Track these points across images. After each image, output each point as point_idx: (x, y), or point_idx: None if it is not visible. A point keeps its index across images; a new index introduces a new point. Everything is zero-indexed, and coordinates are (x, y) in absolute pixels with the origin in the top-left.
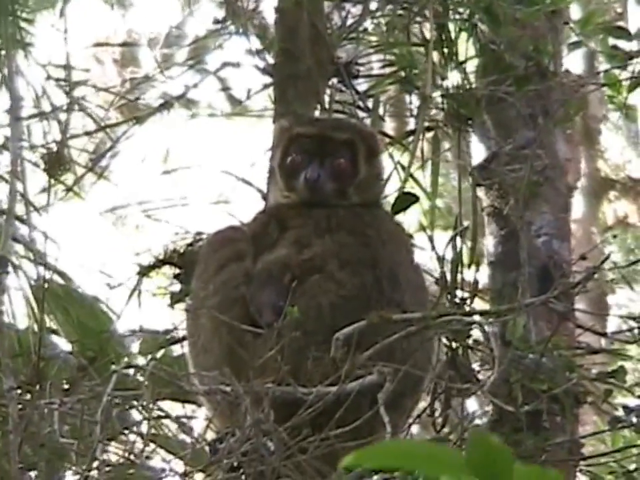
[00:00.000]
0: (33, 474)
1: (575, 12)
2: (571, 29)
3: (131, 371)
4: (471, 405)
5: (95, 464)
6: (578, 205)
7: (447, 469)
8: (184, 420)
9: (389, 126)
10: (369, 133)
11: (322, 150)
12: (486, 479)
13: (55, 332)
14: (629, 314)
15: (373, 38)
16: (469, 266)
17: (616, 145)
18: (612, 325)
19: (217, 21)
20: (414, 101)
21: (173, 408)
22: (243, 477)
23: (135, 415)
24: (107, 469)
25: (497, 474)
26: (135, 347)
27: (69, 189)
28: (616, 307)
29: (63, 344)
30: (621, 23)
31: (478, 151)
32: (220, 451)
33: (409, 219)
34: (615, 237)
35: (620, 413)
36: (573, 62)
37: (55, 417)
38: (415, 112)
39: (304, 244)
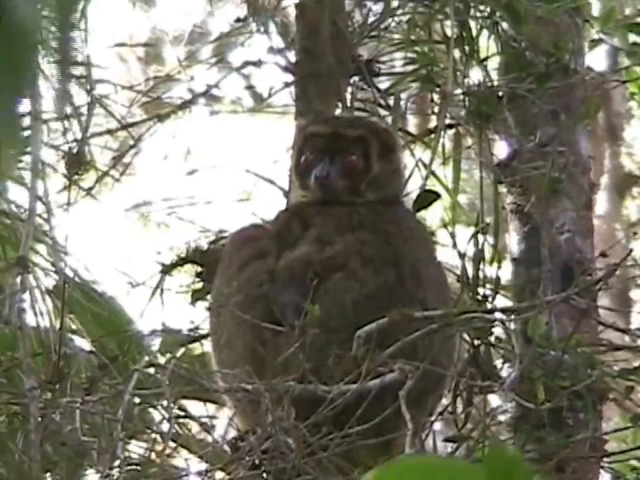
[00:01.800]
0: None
1: (595, 8)
2: (591, 26)
3: (152, 370)
4: (494, 401)
5: (116, 463)
6: (601, 201)
7: None
8: (205, 419)
9: (411, 123)
10: (382, 129)
11: (333, 148)
12: None
13: (75, 332)
14: None
15: (394, 36)
16: (491, 263)
17: None
18: (636, 320)
19: (238, 20)
20: (435, 98)
21: (195, 407)
22: (264, 474)
23: (156, 414)
24: (128, 467)
25: None
26: (156, 346)
27: (88, 190)
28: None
29: (83, 344)
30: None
31: (500, 149)
32: (241, 449)
33: (431, 216)
34: (635, 233)
35: None
36: (597, 58)
37: (77, 416)
38: (436, 109)
39: (326, 242)
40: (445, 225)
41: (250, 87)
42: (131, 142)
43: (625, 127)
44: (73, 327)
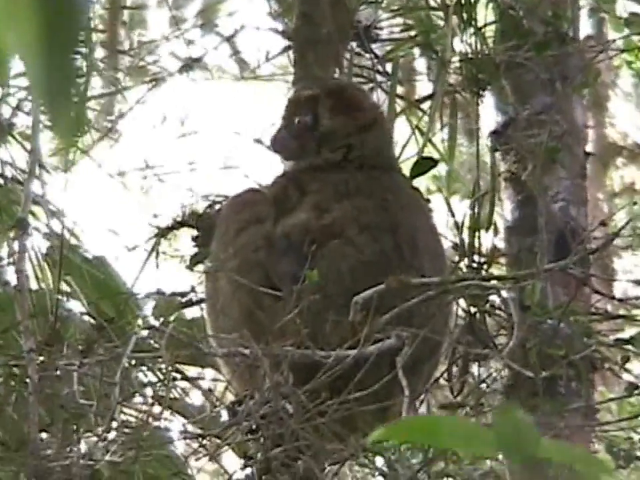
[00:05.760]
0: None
1: None
2: None
3: (148, 333)
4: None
5: (114, 425)
6: None
7: (475, 445)
8: (201, 382)
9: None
10: (336, 85)
11: (291, 111)
12: (513, 454)
13: (70, 294)
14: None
15: (393, 2)
16: (487, 230)
17: (625, 112)
18: (618, 290)
19: None
20: (432, 65)
21: (190, 371)
22: (262, 439)
23: (151, 376)
24: (125, 430)
25: (525, 449)
26: (149, 310)
27: (84, 152)
28: (621, 272)
29: (77, 307)
30: None
31: (495, 116)
32: (239, 414)
33: (426, 183)
34: (635, 203)
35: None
36: (583, 27)
37: (74, 379)
38: (432, 76)
39: (323, 208)
40: (440, 190)
41: (237, 53)
42: (119, 106)
43: (610, 97)
44: (69, 289)
